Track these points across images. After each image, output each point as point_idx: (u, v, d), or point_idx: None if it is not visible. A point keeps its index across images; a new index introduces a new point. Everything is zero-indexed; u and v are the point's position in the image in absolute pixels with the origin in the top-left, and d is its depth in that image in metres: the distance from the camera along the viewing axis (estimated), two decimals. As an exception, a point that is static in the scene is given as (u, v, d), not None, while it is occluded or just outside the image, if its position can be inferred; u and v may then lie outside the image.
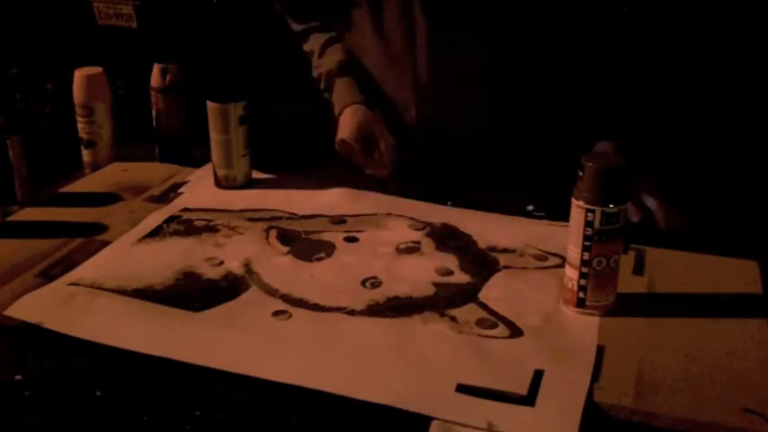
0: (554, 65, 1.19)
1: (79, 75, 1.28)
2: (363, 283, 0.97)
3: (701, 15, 1.08)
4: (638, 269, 0.99)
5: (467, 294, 0.94)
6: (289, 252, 1.04)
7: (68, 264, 1.00)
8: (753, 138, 1.15)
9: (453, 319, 0.90)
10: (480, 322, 0.89)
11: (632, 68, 1.15)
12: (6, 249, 1.03)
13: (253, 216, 1.13)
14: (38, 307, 0.90)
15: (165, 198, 1.19)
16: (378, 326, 0.88)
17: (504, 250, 1.04)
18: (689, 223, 1.07)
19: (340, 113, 1.31)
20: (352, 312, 0.91)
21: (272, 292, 0.95)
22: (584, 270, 0.88)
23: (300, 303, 0.92)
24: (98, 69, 1.29)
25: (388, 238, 1.07)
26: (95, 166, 1.30)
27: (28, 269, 0.98)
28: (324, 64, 1.36)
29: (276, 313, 0.90)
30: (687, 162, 1.16)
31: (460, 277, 0.98)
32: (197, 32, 1.94)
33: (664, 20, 1.11)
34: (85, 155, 1.31)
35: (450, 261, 1.02)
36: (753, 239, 1.05)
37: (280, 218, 1.13)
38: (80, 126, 1.30)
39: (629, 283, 0.94)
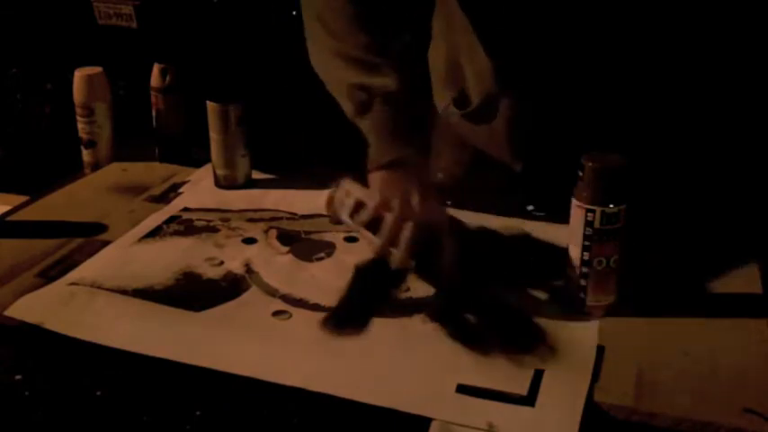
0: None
1: (79, 75, 1.28)
2: (363, 283, 0.96)
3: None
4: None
5: (467, 294, 0.94)
6: (289, 252, 1.04)
7: (68, 264, 1.00)
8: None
9: (453, 319, 0.89)
10: (480, 322, 0.89)
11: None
12: (6, 249, 1.03)
13: (253, 216, 1.13)
14: (38, 307, 0.90)
15: (165, 198, 1.19)
16: (378, 326, 0.88)
17: (504, 250, 1.04)
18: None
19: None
20: (352, 312, 0.91)
21: (272, 292, 0.95)
22: (585, 270, 0.88)
23: (300, 303, 0.92)
24: (98, 69, 1.29)
25: (388, 238, 1.06)
26: (95, 166, 1.30)
27: (28, 269, 0.98)
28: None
29: (276, 313, 0.90)
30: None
31: (460, 277, 0.98)
32: (197, 33, 1.94)
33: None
34: (85, 155, 1.31)
35: (451, 261, 1.01)
36: (753, 239, 1.05)
37: (280, 218, 1.13)
38: (80, 126, 1.30)
39: (629, 283, 0.94)
